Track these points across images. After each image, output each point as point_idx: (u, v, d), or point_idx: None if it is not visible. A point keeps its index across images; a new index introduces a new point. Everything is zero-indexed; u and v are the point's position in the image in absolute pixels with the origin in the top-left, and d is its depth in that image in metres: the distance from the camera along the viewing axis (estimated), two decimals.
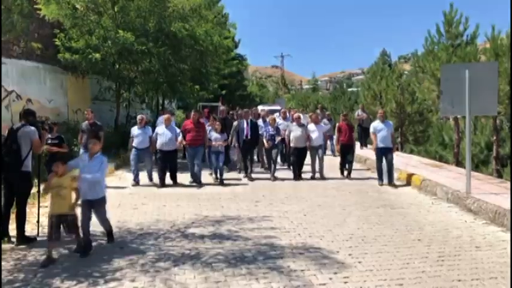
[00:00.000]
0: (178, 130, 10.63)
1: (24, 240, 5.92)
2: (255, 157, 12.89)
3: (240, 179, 11.16)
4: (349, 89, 42.60)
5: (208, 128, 11.00)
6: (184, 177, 10.83)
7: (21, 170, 5.95)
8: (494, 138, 10.88)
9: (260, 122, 12.16)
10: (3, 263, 5.15)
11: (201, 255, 5.44)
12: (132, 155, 10.46)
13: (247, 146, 11.23)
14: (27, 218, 6.16)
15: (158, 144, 10.23)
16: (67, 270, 4.95)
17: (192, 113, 10.97)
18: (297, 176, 10.99)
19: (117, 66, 14.65)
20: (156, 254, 5.47)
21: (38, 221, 6.30)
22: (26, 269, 5.00)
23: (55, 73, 14.08)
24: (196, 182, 10.36)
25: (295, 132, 11.12)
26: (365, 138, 16.52)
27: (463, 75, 8.18)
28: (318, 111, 18.11)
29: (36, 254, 5.51)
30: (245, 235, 6.28)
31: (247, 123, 11.27)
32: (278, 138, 11.31)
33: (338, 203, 8.39)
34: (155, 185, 10.18)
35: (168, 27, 14.60)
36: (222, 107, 12.45)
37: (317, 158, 11.16)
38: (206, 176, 10.94)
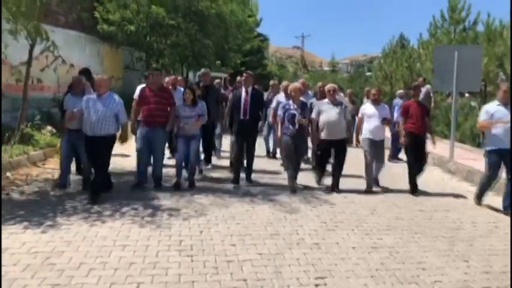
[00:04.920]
0: (118, 102, 6.12)
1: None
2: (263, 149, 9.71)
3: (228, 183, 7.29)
4: (369, 73, 43.57)
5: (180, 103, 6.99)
6: None
7: None
8: None
9: (282, 97, 8.50)
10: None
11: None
12: (63, 140, 6.72)
13: (243, 131, 7.17)
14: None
15: (84, 126, 6.07)
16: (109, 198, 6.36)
17: (152, 74, 7.01)
18: (333, 187, 6.97)
19: (148, 38, 16.13)
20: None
21: None
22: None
23: (93, 42, 15.60)
24: (141, 185, 6.69)
25: (328, 113, 6.92)
26: None
27: (452, 56, 9.42)
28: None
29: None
30: None
31: (247, 93, 7.13)
32: (303, 120, 6.83)
33: None
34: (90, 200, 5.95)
35: (197, 5, 16.00)
36: (203, 70, 8.76)
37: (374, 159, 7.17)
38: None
